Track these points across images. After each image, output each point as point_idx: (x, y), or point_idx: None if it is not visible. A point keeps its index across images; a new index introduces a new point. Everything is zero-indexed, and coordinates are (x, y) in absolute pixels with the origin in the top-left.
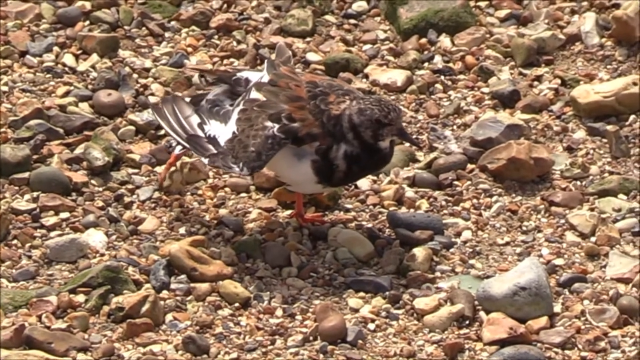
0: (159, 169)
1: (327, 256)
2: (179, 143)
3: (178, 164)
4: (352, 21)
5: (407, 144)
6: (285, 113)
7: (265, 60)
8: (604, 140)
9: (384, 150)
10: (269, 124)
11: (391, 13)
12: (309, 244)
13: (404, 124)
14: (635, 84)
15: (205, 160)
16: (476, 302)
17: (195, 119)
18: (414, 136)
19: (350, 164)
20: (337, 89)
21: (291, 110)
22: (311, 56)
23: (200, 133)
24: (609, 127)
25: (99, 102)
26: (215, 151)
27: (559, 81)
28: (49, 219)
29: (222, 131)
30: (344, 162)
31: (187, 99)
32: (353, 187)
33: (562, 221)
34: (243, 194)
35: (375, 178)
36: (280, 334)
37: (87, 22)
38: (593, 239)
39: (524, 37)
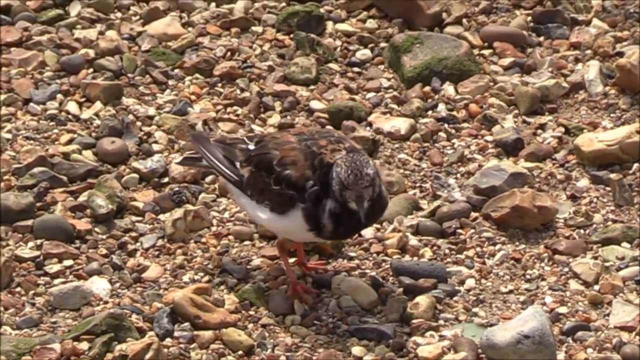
0: (163, 217)
1: (331, 304)
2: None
3: (182, 211)
4: (356, 69)
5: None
6: (277, 159)
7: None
8: (608, 188)
9: (355, 214)
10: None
11: (395, 61)
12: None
13: (368, 191)
14: (638, 132)
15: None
16: (480, 350)
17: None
18: (417, 184)
19: (336, 224)
20: (327, 136)
21: (283, 154)
22: (315, 104)
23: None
24: (613, 176)
25: (103, 149)
26: None
27: (562, 129)
28: (53, 267)
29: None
30: (330, 221)
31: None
32: (357, 235)
33: (566, 269)
34: (247, 242)
35: (378, 226)
36: None
37: (91, 70)
38: (597, 287)
39: (527, 86)
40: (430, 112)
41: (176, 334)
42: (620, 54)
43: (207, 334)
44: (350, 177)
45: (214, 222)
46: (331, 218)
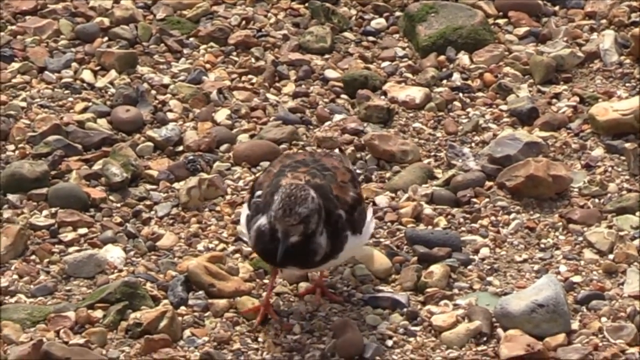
0: (177, 185)
1: (345, 273)
2: None
3: (196, 180)
4: (371, 38)
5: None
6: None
7: None
8: (622, 157)
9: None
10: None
11: (410, 30)
12: None
13: (297, 228)
14: None
15: None
16: (494, 319)
17: None
18: (432, 153)
19: (257, 240)
20: (311, 164)
21: (261, 180)
22: (329, 73)
23: None
24: (627, 145)
25: (117, 118)
26: None
27: (577, 99)
28: (67, 235)
29: None
30: (254, 235)
31: None
32: (372, 203)
33: (580, 238)
34: None
35: (393, 195)
36: (298, 350)
37: (106, 39)
38: (611, 256)
39: (542, 55)
40: (444, 81)
41: (190, 302)
42: (636, 24)
43: (222, 302)
44: (279, 211)
45: (229, 190)
46: (256, 232)
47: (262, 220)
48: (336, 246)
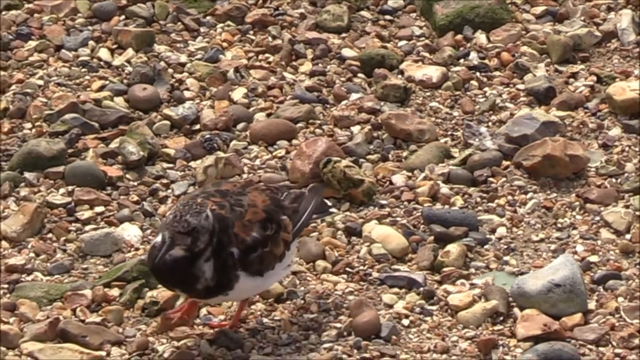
0: (194, 164)
1: (362, 252)
2: None
3: (213, 159)
4: (388, 17)
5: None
6: None
7: None
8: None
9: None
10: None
11: (427, 9)
12: (343, 239)
13: (184, 239)
14: None
15: None
16: (510, 299)
17: None
18: (448, 132)
19: (157, 251)
20: (219, 195)
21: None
22: (346, 52)
23: None
24: None
25: (134, 96)
26: None
27: (594, 78)
28: (84, 213)
29: None
30: (158, 246)
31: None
32: (388, 183)
33: (597, 218)
34: None
35: (409, 174)
36: (314, 329)
37: (123, 17)
38: (628, 236)
39: (560, 34)
40: (462, 61)
41: None
42: None
43: None
44: (170, 215)
45: (245, 169)
46: (149, 250)
47: (158, 238)
48: (223, 282)
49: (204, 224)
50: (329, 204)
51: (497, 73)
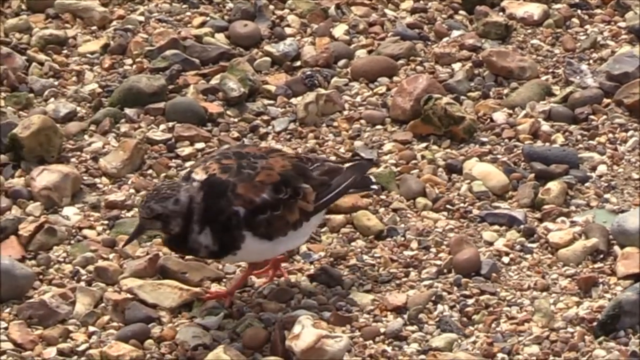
0: (295, 100)
1: (462, 189)
2: None
3: (314, 95)
4: None
5: None
6: None
7: None
8: None
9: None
10: None
11: None
12: (444, 177)
13: (152, 223)
14: None
15: None
16: (610, 237)
17: None
18: (549, 70)
19: None
20: (227, 157)
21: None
22: None
23: None
24: None
25: (235, 33)
26: None
27: None
28: (184, 149)
29: None
30: None
31: None
32: (489, 120)
33: None
34: (378, 126)
35: (510, 111)
36: (414, 266)
37: None
38: None
39: None
40: None
41: None
42: None
43: (338, 217)
44: (141, 198)
45: (346, 106)
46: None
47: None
48: (227, 243)
49: (172, 209)
50: (373, 180)
51: (598, 11)
